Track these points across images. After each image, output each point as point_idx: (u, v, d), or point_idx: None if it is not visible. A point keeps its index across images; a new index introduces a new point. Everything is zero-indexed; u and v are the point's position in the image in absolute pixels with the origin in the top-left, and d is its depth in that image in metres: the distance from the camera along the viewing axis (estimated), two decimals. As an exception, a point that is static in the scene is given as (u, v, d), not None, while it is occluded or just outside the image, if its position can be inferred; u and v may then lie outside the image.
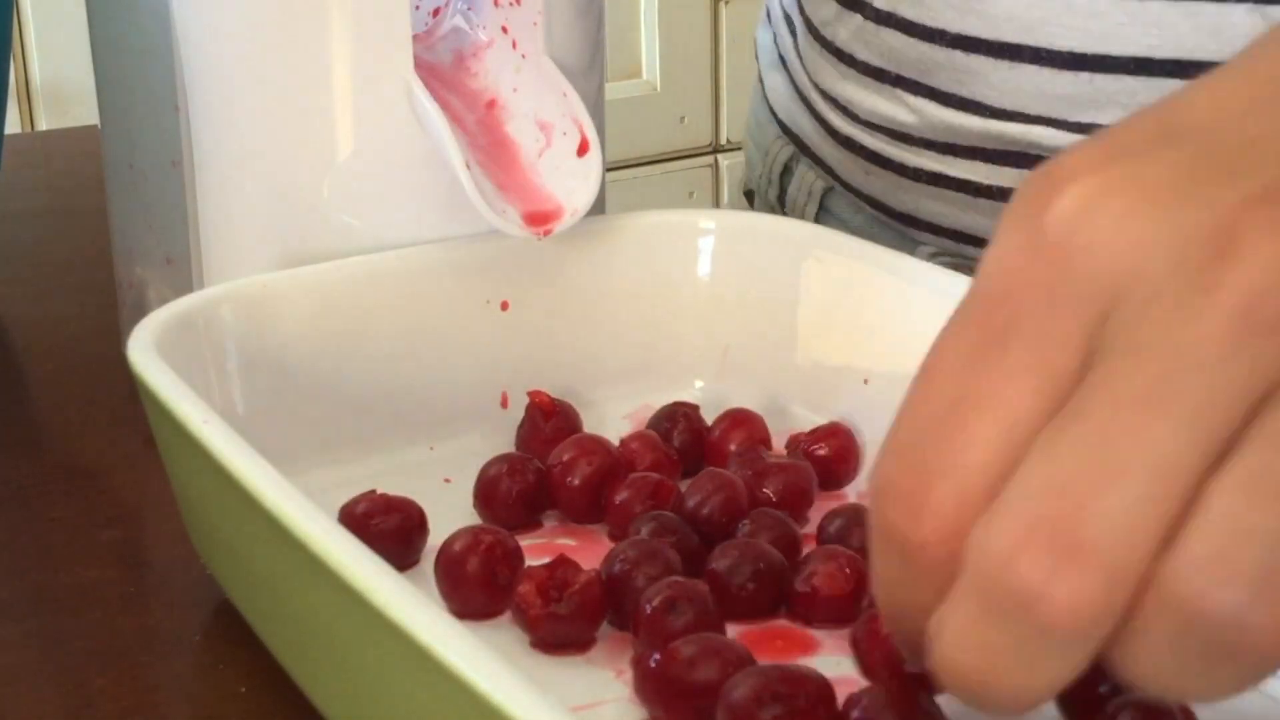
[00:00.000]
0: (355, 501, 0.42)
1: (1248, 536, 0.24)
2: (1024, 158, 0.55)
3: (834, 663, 0.37)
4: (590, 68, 0.52)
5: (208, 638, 0.40)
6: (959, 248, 0.59)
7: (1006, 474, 0.26)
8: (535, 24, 0.49)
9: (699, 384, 0.51)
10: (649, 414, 0.48)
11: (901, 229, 0.61)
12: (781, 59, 0.67)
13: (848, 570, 0.38)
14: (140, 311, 0.46)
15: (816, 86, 0.62)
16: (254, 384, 0.44)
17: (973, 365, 0.27)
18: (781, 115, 0.67)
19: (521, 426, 0.47)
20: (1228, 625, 0.24)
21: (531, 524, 0.44)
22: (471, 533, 0.39)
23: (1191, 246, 0.25)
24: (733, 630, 0.38)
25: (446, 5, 0.52)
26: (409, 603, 0.29)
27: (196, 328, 0.43)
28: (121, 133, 0.53)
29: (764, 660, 0.35)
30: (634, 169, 1.92)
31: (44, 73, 1.58)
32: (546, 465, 0.44)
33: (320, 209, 0.48)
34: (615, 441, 0.45)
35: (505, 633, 0.38)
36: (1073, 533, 0.24)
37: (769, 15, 0.70)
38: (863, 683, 0.35)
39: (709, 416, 0.47)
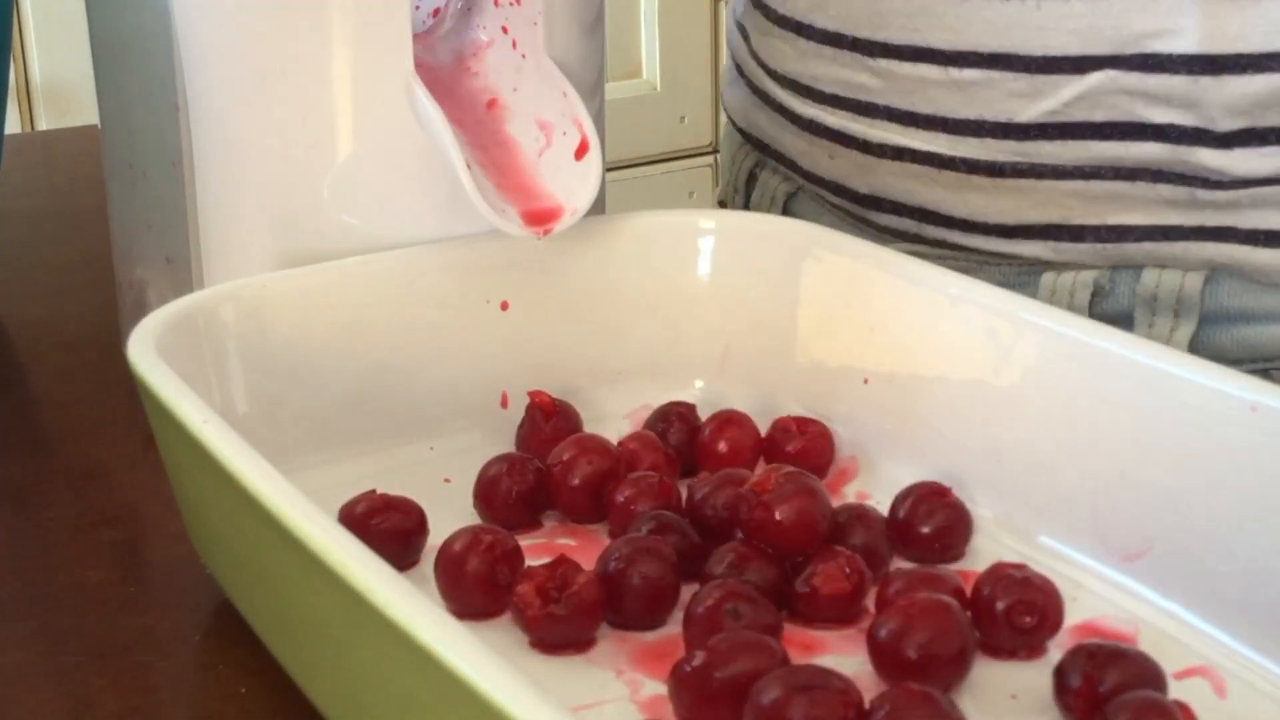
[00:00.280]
0: (355, 501, 0.41)
1: None
2: (981, 126, 0.55)
3: (833, 661, 0.37)
4: (590, 67, 0.51)
5: (208, 638, 0.40)
6: (919, 227, 0.59)
7: None
8: (535, 24, 0.49)
9: (699, 384, 0.51)
10: (649, 414, 0.48)
11: (865, 214, 0.61)
12: (738, 69, 0.67)
13: (848, 569, 0.38)
14: (140, 311, 0.46)
15: (775, 74, 0.62)
16: (254, 384, 0.44)
17: None
18: (741, 123, 0.68)
19: (522, 426, 0.47)
20: None
21: (531, 524, 0.43)
22: (471, 532, 0.39)
23: None
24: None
25: (446, 5, 0.52)
26: (408, 603, 0.29)
27: (196, 328, 0.43)
28: (121, 133, 0.53)
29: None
30: (634, 169, 1.92)
31: (44, 73, 1.58)
32: (546, 465, 0.44)
33: (320, 209, 0.48)
34: (615, 441, 0.45)
35: (505, 633, 0.38)
36: None
37: (728, 40, 0.71)
38: (868, 680, 0.35)
39: (709, 416, 0.47)
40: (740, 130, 0.68)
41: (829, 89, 0.59)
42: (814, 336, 0.49)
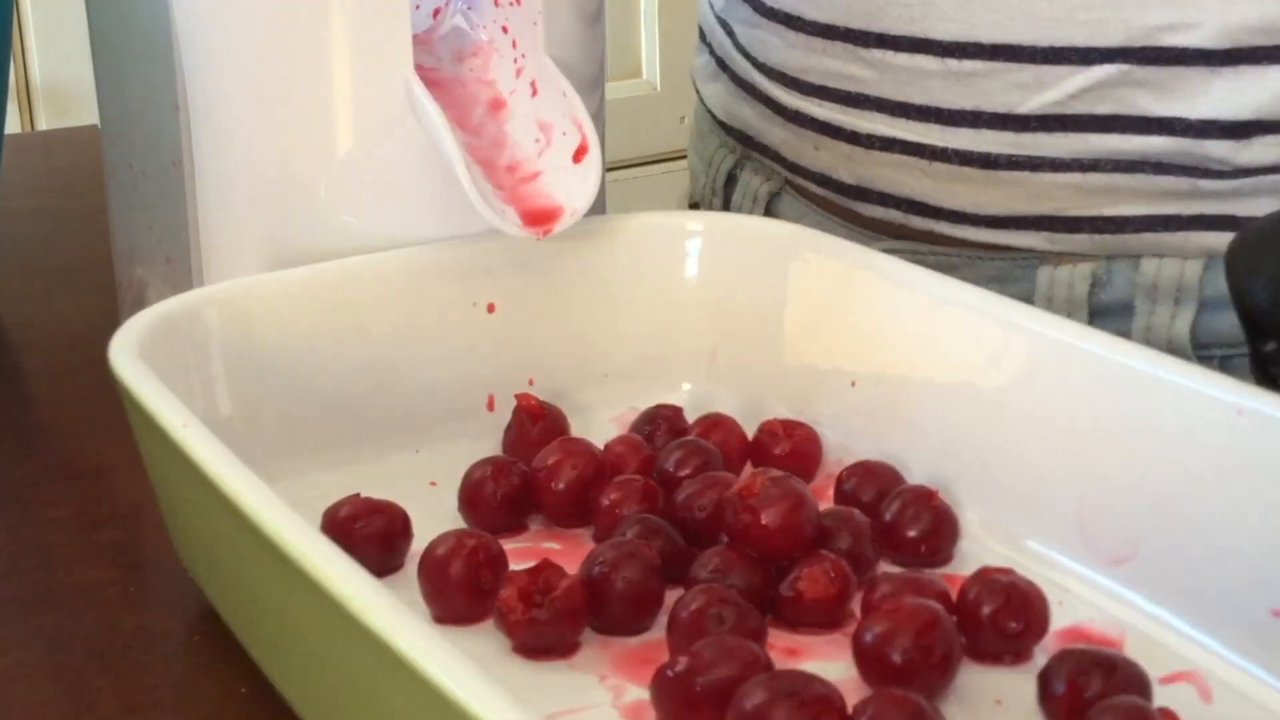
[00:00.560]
0: (339, 505, 0.41)
1: None
2: (979, 117, 0.55)
3: (817, 666, 0.37)
4: (590, 67, 0.52)
5: (208, 637, 0.40)
6: (906, 218, 0.59)
7: None
8: (535, 24, 0.49)
9: (687, 386, 0.51)
10: (636, 416, 0.48)
11: (850, 205, 0.61)
12: (720, 64, 0.67)
13: (832, 574, 0.38)
14: (140, 311, 0.46)
15: (762, 67, 0.62)
16: (238, 387, 0.44)
17: None
18: (723, 117, 0.67)
19: (508, 429, 0.47)
20: None
21: (516, 527, 0.44)
22: (455, 537, 0.39)
23: None
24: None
25: (446, 5, 0.52)
26: (386, 609, 0.29)
27: (179, 330, 0.43)
28: (121, 133, 0.53)
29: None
30: (634, 169, 1.92)
31: (44, 73, 1.58)
32: (532, 469, 0.44)
33: (320, 209, 0.48)
34: (602, 444, 0.45)
35: (488, 638, 0.38)
36: None
37: (701, 36, 0.70)
38: (852, 686, 0.36)
39: (695, 419, 0.47)
40: (722, 124, 0.68)
41: (817, 80, 0.59)
42: (801, 339, 0.49)
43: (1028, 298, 0.56)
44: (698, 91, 0.71)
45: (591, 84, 0.52)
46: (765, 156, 0.65)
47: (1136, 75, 0.52)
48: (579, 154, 0.48)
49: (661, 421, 0.47)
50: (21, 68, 1.56)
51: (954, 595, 0.38)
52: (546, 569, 0.38)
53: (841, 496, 0.44)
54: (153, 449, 0.39)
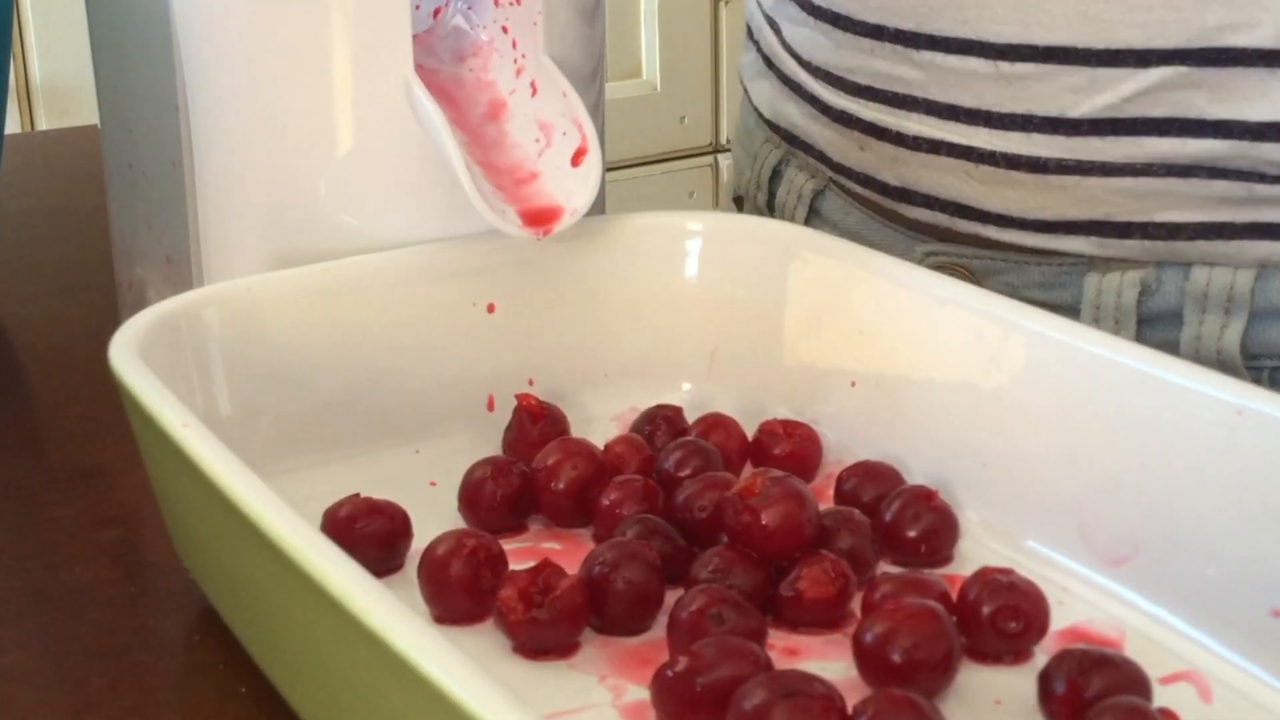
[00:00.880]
0: (339, 505, 0.41)
1: None
2: (1029, 121, 0.54)
3: (817, 666, 0.37)
4: (590, 67, 0.52)
5: (208, 637, 0.40)
6: (951, 221, 0.58)
7: None
8: (535, 24, 0.49)
9: (686, 386, 0.51)
10: (636, 416, 0.48)
11: (894, 207, 0.60)
12: (767, 61, 0.67)
13: (832, 573, 0.39)
14: (140, 311, 0.47)
15: (808, 66, 0.62)
16: (237, 387, 0.44)
17: None
18: (769, 115, 0.67)
19: (508, 429, 0.47)
20: None
21: (516, 527, 0.44)
22: (455, 537, 0.39)
23: None
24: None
25: (446, 5, 0.52)
26: (385, 609, 0.29)
27: (179, 330, 0.43)
28: (121, 133, 0.53)
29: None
30: (634, 169, 1.92)
31: (44, 73, 1.58)
32: (531, 469, 0.44)
33: (320, 209, 0.48)
34: (602, 444, 0.45)
35: (488, 638, 0.38)
36: None
37: (749, 34, 0.70)
38: (852, 686, 0.36)
39: (696, 419, 0.47)
40: (768, 122, 0.67)
41: (864, 80, 0.58)
42: (801, 339, 0.49)
43: (1075, 304, 0.56)
44: (744, 88, 0.71)
45: (590, 74, 0.52)
46: (810, 155, 0.64)
47: (1194, 77, 0.51)
48: (579, 154, 0.48)
49: (661, 421, 0.47)
50: (21, 68, 1.56)
51: (954, 595, 0.38)
52: (546, 569, 0.38)
53: (841, 496, 0.44)
54: (153, 449, 0.39)
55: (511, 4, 0.50)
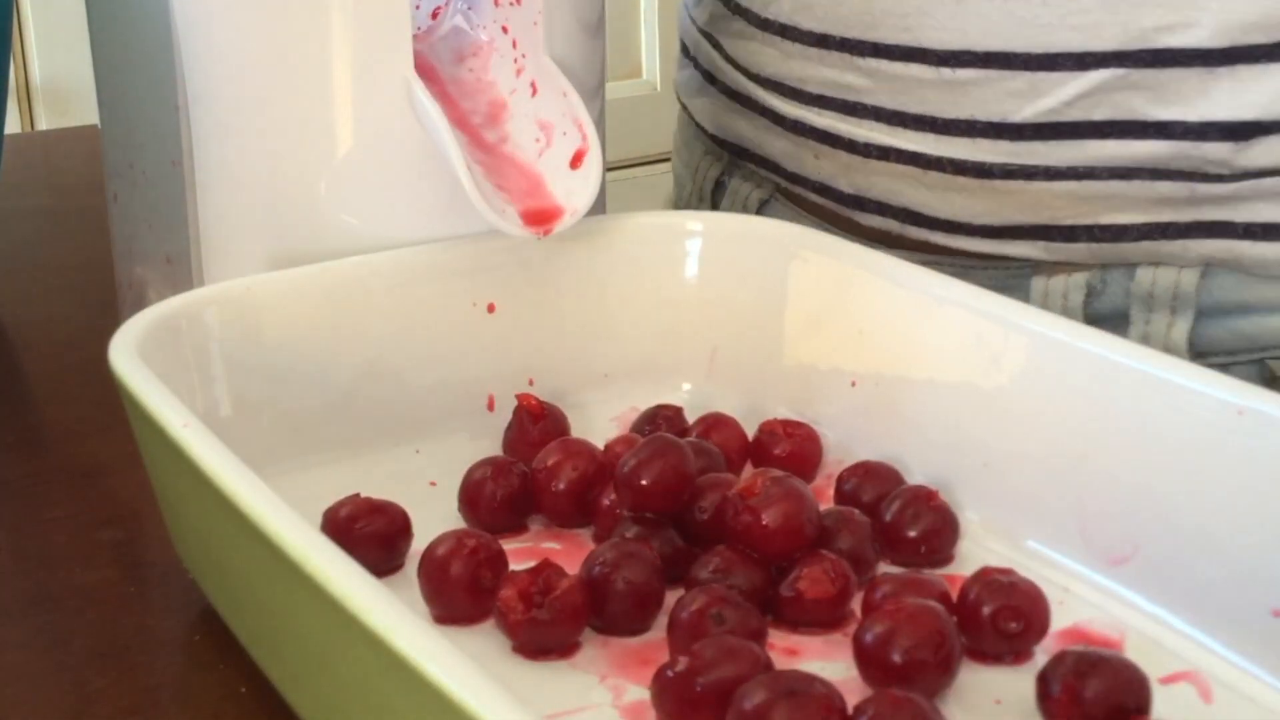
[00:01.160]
0: (339, 505, 0.42)
1: None
2: (973, 126, 0.55)
3: (817, 667, 0.37)
4: (590, 67, 0.52)
5: (208, 637, 0.40)
6: (903, 228, 0.59)
7: None
8: (535, 24, 0.49)
9: (686, 386, 0.51)
10: (637, 416, 0.48)
11: (849, 214, 0.61)
12: (708, 77, 0.67)
13: (832, 573, 0.39)
14: (140, 311, 0.47)
15: (757, 78, 0.62)
16: (237, 387, 0.44)
17: None
18: (712, 129, 0.67)
19: (509, 429, 0.47)
20: None
21: (516, 528, 0.44)
22: (455, 537, 0.39)
23: None
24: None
25: (446, 5, 0.52)
26: (385, 609, 0.29)
27: (179, 330, 0.43)
28: (121, 133, 0.53)
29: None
30: (634, 169, 1.93)
31: (44, 73, 1.58)
32: (532, 469, 0.44)
33: (321, 209, 0.48)
34: (603, 444, 0.45)
35: (488, 638, 0.38)
36: None
37: (684, 51, 0.70)
38: (852, 686, 0.36)
39: (696, 419, 0.47)
40: (711, 136, 0.68)
41: (815, 89, 0.59)
42: (801, 339, 0.49)
43: None
44: (683, 105, 0.71)
45: (593, 87, 0.52)
46: (762, 167, 0.65)
47: (1133, 79, 0.52)
48: (579, 154, 0.48)
49: (661, 421, 0.47)
50: (21, 68, 1.57)
51: (954, 595, 0.38)
52: (546, 569, 0.38)
53: (841, 497, 0.44)
54: (153, 449, 0.39)
55: (511, 4, 0.50)
